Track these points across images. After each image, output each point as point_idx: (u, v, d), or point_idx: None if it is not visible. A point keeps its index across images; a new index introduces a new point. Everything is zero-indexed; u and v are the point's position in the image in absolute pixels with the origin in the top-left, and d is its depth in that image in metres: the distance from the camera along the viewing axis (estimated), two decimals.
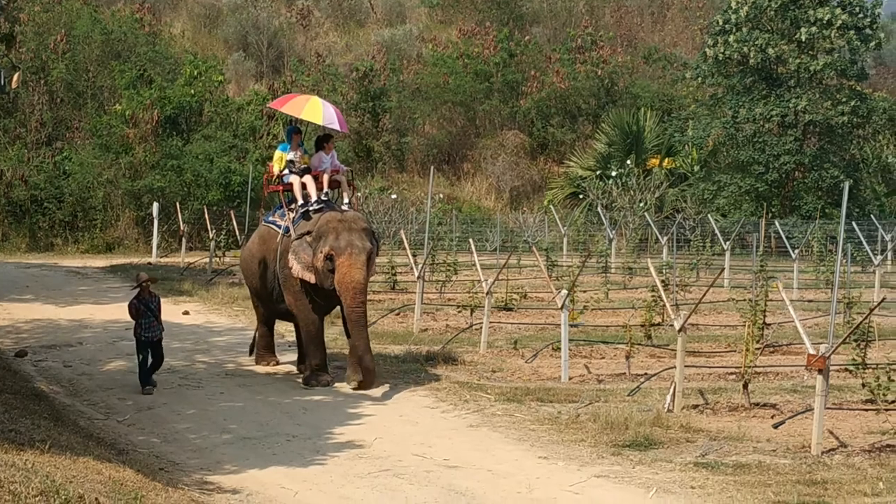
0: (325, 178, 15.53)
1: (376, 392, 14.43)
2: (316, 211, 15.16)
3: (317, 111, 15.96)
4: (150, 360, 14.46)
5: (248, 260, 16.37)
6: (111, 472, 9.28)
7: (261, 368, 16.27)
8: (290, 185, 15.68)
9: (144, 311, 14.33)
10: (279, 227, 15.52)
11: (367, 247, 14.68)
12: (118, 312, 20.41)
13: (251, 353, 16.80)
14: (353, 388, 14.50)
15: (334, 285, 14.56)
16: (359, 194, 21.31)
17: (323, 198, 15.37)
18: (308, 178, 15.50)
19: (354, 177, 16.48)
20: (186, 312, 21.01)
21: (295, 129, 16.42)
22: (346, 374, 14.87)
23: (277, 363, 16.46)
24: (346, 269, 14.44)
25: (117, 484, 8.89)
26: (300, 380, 15.32)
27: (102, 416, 12.99)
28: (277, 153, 16.16)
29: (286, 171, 15.79)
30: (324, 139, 16.16)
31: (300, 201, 15.41)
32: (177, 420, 12.98)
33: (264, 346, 16.53)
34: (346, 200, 15.70)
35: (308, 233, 14.82)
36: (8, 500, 7.08)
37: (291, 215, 15.37)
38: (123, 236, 35.47)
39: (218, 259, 29.03)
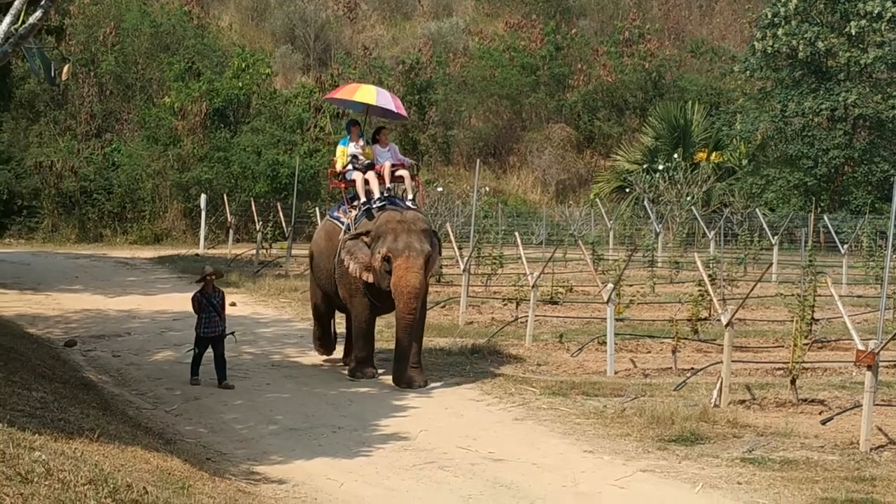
0: (386, 171, 15.20)
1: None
2: (378, 209, 14.82)
3: (370, 93, 15.83)
4: (203, 355, 14.36)
5: (315, 255, 16.25)
6: (159, 462, 9.35)
7: (307, 360, 16.35)
8: (353, 181, 15.33)
9: (206, 305, 14.24)
10: (343, 223, 15.32)
11: (425, 249, 14.33)
12: (166, 303, 20.62)
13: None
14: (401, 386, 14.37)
15: (390, 287, 14.29)
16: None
17: (385, 193, 15.10)
18: (371, 175, 15.15)
19: (419, 171, 16.08)
20: (233, 304, 21.04)
21: (353, 122, 16.07)
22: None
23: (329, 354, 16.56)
24: (403, 272, 14.13)
25: (165, 473, 8.96)
26: (345, 371, 15.40)
27: (150, 406, 13.10)
28: (340, 148, 15.81)
29: (349, 167, 15.42)
30: (377, 132, 15.89)
31: (363, 198, 15.07)
32: (224, 410, 13.05)
33: (319, 337, 16.50)
34: (409, 196, 15.26)
35: (367, 232, 14.55)
36: (57, 488, 7.15)
37: (354, 213, 15.13)
38: (171, 227, 35.78)
39: (265, 251, 29.19)
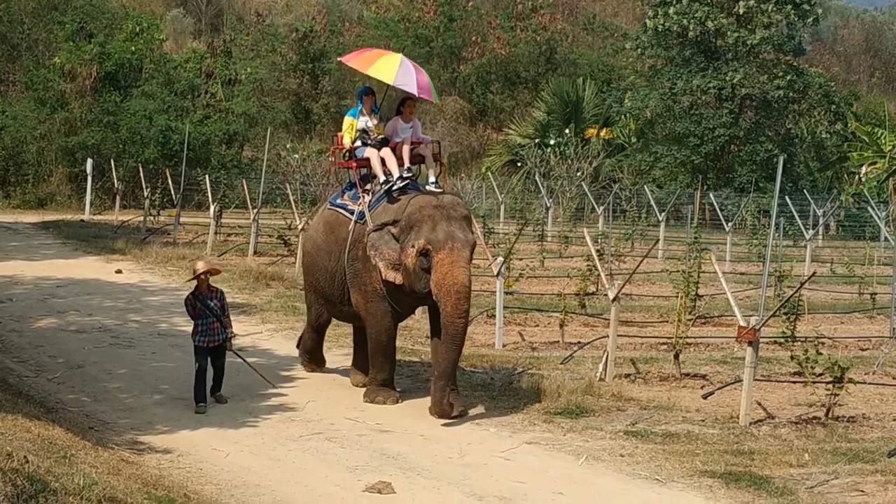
0: (406, 150, 12.57)
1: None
2: (400, 193, 12.24)
3: (390, 67, 12.84)
4: (206, 370, 11.88)
5: (312, 253, 13.38)
6: (40, 430, 9.20)
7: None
8: (366, 160, 12.71)
9: (202, 309, 11.83)
10: (351, 212, 12.61)
11: (470, 240, 11.83)
12: (50, 269, 20.27)
13: (299, 345, 14.16)
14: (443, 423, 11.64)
15: (428, 288, 11.68)
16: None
17: (406, 174, 12.39)
18: (387, 152, 12.54)
19: (441, 150, 13.41)
20: (119, 271, 20.86)
21: (367, 90, 13.31)
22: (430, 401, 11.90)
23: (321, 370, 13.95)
24: (448, 268, 11.48)
25: (46, 442, 8.82)
26: (357, 387, 13.02)
27: (32, 374, 12.85)
28: (347, 120, 13.10)
29: (359, 144, 12.83)
30: (402, 103, 13.03)
31: (381, 178, 12.43)
32: (108, 379, 12.86)
33: (310, 351, 13.87)
34: (431, 179, 12.63)
35: (394, 222, 11.91)
36: None
37: (367, 198, 12.46)
38: (56, 192, 35.14)
39: (152, 218, 28.80)
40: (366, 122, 12.91)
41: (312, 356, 13.80)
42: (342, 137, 13.07)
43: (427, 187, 12.44)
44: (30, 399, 11.17)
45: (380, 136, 12.80)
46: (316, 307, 13.51)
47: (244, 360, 12.41)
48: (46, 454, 8.33)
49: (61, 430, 9.60)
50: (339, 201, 12.96)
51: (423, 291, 11.77)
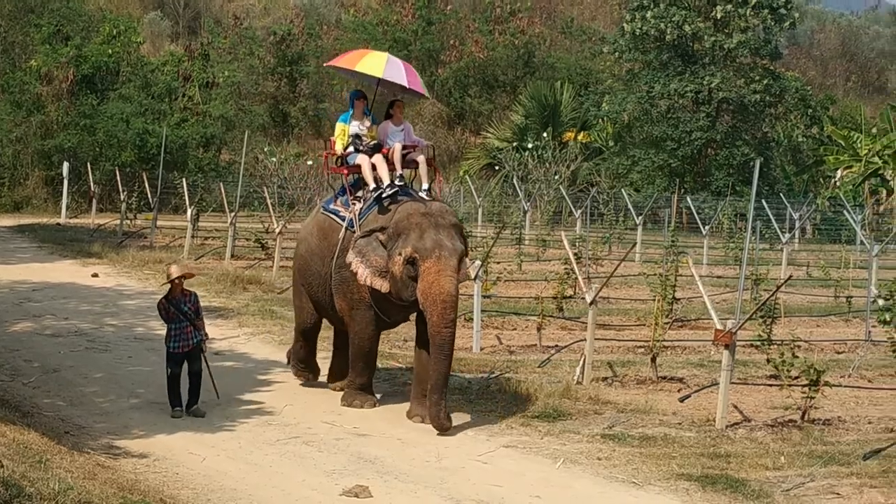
0: (397, 155, 12.33)
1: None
2: (390, 200, 12.08)
3: (378, 63, 12.83)
4: (179, 376, 11.66)
5: (305, 257, 13.05)
6: (15, 435, 9.16)
7: None
8: (357, 166, 12.47)
9: (175, 313, 11.63)
10: (342, 218, 12.38)
11: (458, 248, 11.61)
12: (25, 273, 20.17)
13: (289, 362, 13.79)
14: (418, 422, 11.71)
15: (415, 296, 11.53)
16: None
17: (397, 182, 12.20)
18: (378, 158, 12.29)
19: (436, 155, 13.20)
20: (95, 275, 20.78)
21: (358, 94, 12.96)
22: (409, 406, 11.99)
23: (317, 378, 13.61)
24: (434, 276, 11.32)
25: (21, 446, 8.78)
26: (335, 391, 12.92)
27: (7, 378, 12.78)
28: (339, 126, 12.81)
29: (351, 150, 12.56)
30: (391, 105, 12.86)
31: (372, 185, 12.21)
32: (83, 383, 12.81)
33: (304, 359, 13.44)
34: (424, 186, 12.47)
35: (382, 229, 11.76)
36: None
37: (358, 206, 12.25)
38: (32, 196, 35.04)
39: (129, 221, 28.71)
40: (358, 126, 12.65)
41: (307, 364, 13.42)
42: (334, 143, 12.82)
43: (420, 194, 12.26)
44: (5, 403, 11.11)
45: (373, 142, 12.57)
46: (299, 311, 13.32)
47: (207, 365, 11.99)
48: (21, 459, 8.30)
49: (36, 434, 9.57)
50: (332, 206, 12.74)
51: (409, 300, 11.62)
